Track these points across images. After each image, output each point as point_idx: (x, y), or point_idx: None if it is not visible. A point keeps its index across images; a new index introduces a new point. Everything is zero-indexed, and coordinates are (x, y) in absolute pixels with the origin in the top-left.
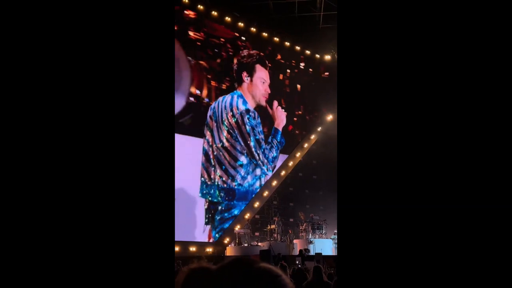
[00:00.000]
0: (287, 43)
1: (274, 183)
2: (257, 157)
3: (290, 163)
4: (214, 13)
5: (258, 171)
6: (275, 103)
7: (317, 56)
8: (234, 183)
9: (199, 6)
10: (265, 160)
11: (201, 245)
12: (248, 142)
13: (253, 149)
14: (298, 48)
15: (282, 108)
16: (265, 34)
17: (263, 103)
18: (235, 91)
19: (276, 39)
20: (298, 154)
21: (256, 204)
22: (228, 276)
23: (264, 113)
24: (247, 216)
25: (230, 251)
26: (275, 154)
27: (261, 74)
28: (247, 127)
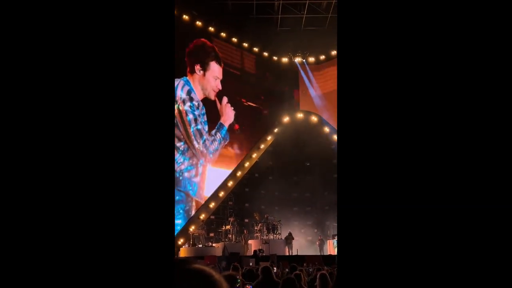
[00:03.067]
0: (245, 44)
1: (230, 183)
2: (196, 146)
3: (247, 164)
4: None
5: (194, 160)
6: (225, 99)
7: (275, 58)
8: None
9: None
10: (205, 151)
11: None
12: (188, 130)
13: (192, 137)
14: (256, 49)
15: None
16: (223, 34)
17: (212, 97)
18: (183, 77)
19: (234, 39)
20: (254, 155)
21: (212, 205)
22: None
23: (212, 107)
24: (202, 216)
25: (184, 252)
26: (216, 147)
27: (215, 71)
28: (188, 115)
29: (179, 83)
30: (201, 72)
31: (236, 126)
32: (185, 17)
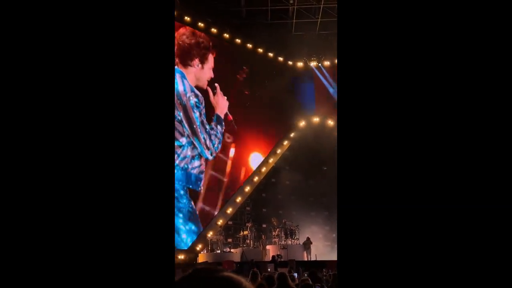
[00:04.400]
0: (260, 50)
1: (247, 189)
2: (203, 141)
3: (263, 169)
4: (187, 18)
5: (198, 154)
6: (217, 86)
7: (290, 63)
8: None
9: None
10: (210, 145)
11: None
12: (194, 126)
13: (199, 133)
14: (271, 55)
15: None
16: (238, 41)
17: (205, 86)
18: (177, 70)
19: (249, 45)
20: (271, 160)
21: (229, 210)
22: (190, 287)
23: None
24: (219, 222)
25: (202, 257)
26: (220, 140)
27: (211, 62)
28: (195, 112)
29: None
30: (199, 66)
31: (230, 117)
32: (200, 24)
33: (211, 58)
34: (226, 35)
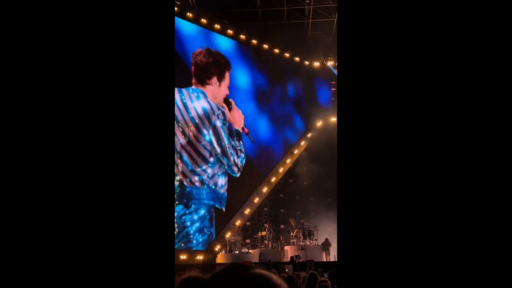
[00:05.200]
0: (277, 50)
1: (265, 189)
2: (232, 159)
3: (281, 170)
4: (204, 20)
5: (225, 172)
6: (232, 102)
7: (306, 63)
8: (197, 184)
9: (188, 13)
10: (238, 161)
11: (191, 253)
12: (223, 143)
13: (227, 151)
14: (287, 55)
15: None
16: (254, 42)
17: (221, 104)
18: (198, 90)
19: (266, 46)
20: (288, 161)
21: (247, 211)
22: (223, 284)
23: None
24: (237, 223)
25: (221, 258)
26: (244, 153)
27: (227, 80)
28: (225, 132)
29: (197, 95)
30: (217, 83)
31: (246, 130)
32: (217, 26)
33: (227, 76)
34: (242, 36)
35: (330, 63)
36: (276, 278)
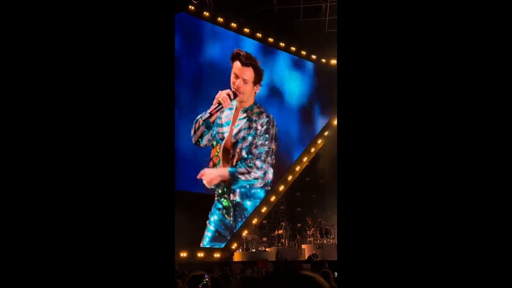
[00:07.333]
0: (293, 48)
1: (281, 188)
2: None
3: (297, 168)
4: (220, 19)
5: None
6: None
7: (323, 60)
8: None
9: (205, 13)
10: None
11: (208, 251)
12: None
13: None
14: (304, 53)
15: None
16: (270, 40)
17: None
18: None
19: (282, 44)
20: (305, 159)
21: (264, 209)
22: (277, 284)
23: None
24: (254, 221)
25: (237, 256)
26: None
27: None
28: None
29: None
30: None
31: None
32: (233, 24)
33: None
34: (259, 35)
35: None
36: (318, 277)
